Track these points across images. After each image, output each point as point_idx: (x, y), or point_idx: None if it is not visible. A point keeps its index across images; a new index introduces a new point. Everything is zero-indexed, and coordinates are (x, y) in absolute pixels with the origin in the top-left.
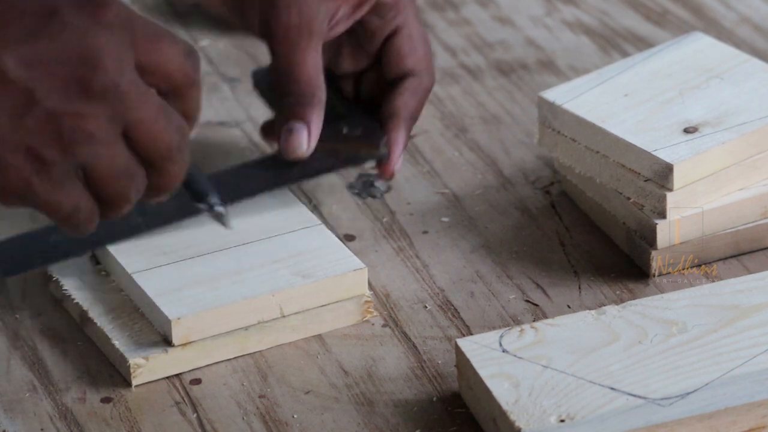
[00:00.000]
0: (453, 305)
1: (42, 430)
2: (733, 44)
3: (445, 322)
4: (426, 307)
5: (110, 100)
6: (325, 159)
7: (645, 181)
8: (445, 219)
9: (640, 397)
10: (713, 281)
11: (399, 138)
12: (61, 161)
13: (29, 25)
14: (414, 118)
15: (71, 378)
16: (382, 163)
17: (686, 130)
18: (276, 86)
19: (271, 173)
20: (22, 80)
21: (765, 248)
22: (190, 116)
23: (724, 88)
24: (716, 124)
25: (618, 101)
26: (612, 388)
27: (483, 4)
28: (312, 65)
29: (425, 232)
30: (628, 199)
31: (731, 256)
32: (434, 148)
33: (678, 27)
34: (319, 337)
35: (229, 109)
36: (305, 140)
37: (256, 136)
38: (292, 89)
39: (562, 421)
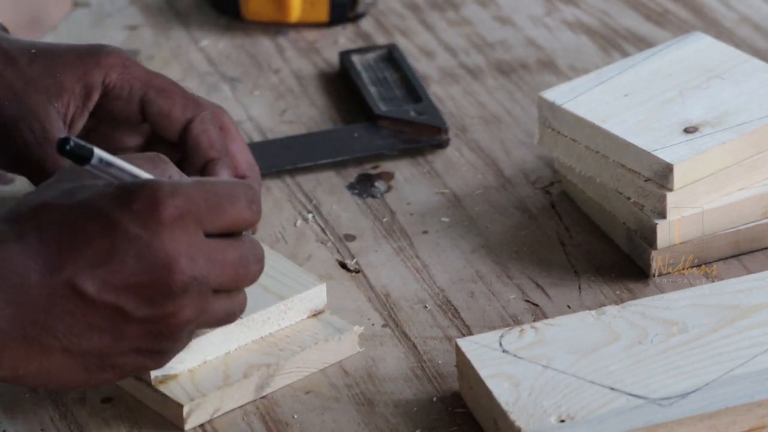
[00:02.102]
0: (453, 305)
1: (42, 430)
2: (733, 44)
3: (445, 322)
4: (426, 307)
5: (193, 289)
6: (390, 137)
7: (645, 181)
8: (445, 219)
9: (640, 397)
10: (713, 281)
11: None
12: (171, 345)
13: (98, 247)
14: (247, 160)
15: None
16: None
17: (686, 130)
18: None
19: (336, 144)
20: (108, 301)
21: (765, 248)
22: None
23: (724, 88)
24: (716, 124)
25: (618, 101)
26: (612, 388)
27: (483, 4)
28: (51, 162)
29: (425, 232)
30: (628, 199)
31: (731, 256)
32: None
33: (678, 27)
34: None
35: (229, 109)
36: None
37: (256, 136)
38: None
39: (562, 421)
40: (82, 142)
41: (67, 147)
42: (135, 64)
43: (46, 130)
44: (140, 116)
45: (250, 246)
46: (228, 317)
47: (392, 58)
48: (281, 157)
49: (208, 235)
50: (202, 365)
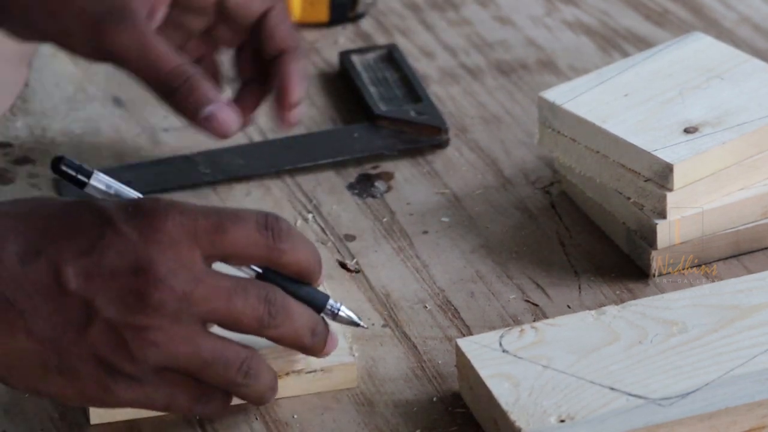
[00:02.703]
0: (453, 305)
1: (42, 430)
2: (733, 44)
3: (445, 322)
4: (426, 307)
5: (169, 307)
6: (390, 138)
7: (645, 181)
8: (445, 219)
9: (640, 397)
10: (713, 281)
11: (293, 68)
12: (133, 367)
13: (87, 238)
14: (297, 40)
15: None
16: (281, 96)
17: (686, 130)
18: (156, 92)
19: (336, 144)
20: (81, 291)
21: (765, 248)
22: (300, 272)
23: (724, 88)
24: (716, 124)
25: (618, 101)
26: (612, 388)
27: (483, 4)
28: (161, 50)
29: (425, 232)
30: (628, 199)
31: (731, 256)
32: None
33: (678, 27)
34: None
35: None
36: (228, 113)
37: (256, 136)
38: (181, 76)
39: (562, 421)
40: (79, 163)
41: (62, 167)
42: None
43: (140, 19)
44: (214, 1)
45: (254, 285)
46: (222, 366)
47: (392, 58)
48: (281, 158)
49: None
50: None
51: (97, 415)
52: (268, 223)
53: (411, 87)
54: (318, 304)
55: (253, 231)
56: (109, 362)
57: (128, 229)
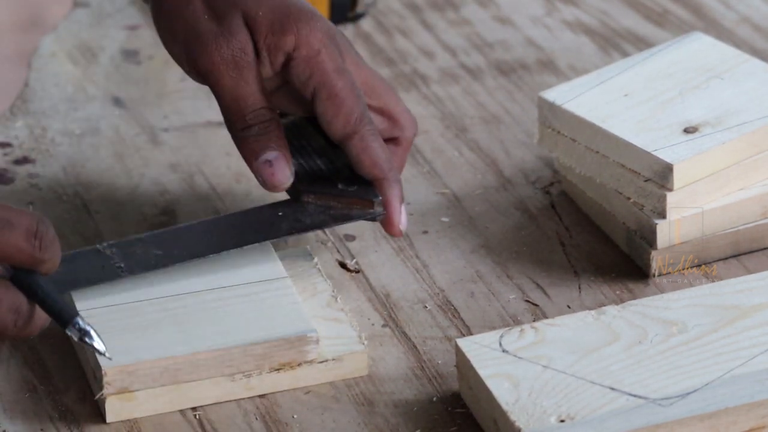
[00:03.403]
0: (453, 305)
1: (42, 430)
2: (733, 44)
3: (445, 322)
4: (426, 307)
5: None
6: (318, 214)
7: (645, 181)
8: (445, 219)
9: (640, 397)
10: (713, 281)
11: (392, 199)
12: None
13: None
14: (391, 166)
15: (71, 378)
16: (386, 222)
17: (686, 130)
18: (231, 118)
19: (260, 226)
20: None
21: (765, 248)
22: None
23: (724, 88)
24: (716, 124)
25: (618, 101)
26: (612, 388)
27: (483, 4)
28: (260, 92)
29: (425, 232)
30: (628, 199)
31: (731, 256)
32: (434, 148)
33: (678, 27)
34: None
35: None
36: (286, 167)
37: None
38: (251, 120)
39: (562, 421)
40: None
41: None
42: (328, 51)
43: (246, 52)
44: (311, 103)
45: (9, 295)
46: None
47: (302, 126)
48: (201, 244)
49: None
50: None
51: (114, 413)
52: (38, 232)
53: (333, 155)
54: (64, 318)
55: (22, 240)
56: None
57: None
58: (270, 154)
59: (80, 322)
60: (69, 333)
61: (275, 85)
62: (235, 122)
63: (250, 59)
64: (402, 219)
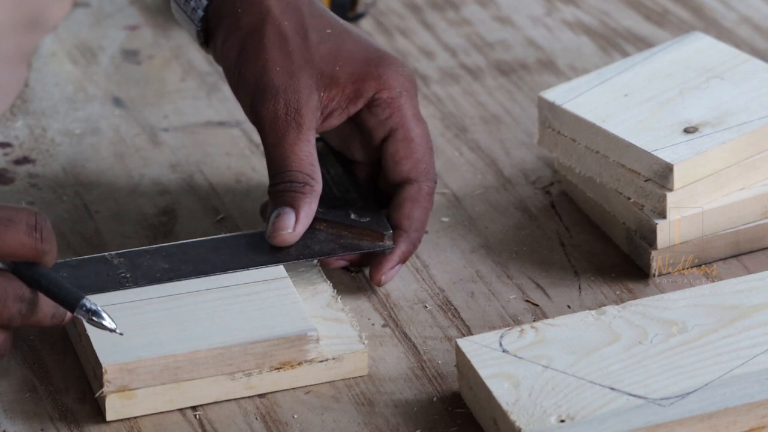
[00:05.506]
0: (453, 305)
1: (42, 430)
2: (733, 44)
3: (445, 322)
4: (426, 307)
5: None
6: (328, 242)
7: (645, 181)
8: (445, 219)
9: (640, 397)
10: (713, 281)
11: (396, 251)
12: None
13: None
14: (418, 228)
15: (71, 378)
16: (373, 266)
17: (686, 130)
18: (269, 174)
19: (270, 248)
20: None
21: (765, 248)
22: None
23: (724, 88)
24: (716, 124)
25: (618, 101)
26: (612, 388)
27: (483, 4)
28: (302, 156)
29: (425, 232)
30: (628, 199)
31: (731, 256)
32: (434, 148)
33: (678, 27)
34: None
35: (230, 109)
36: (291, 224)
37: (256, 137)
38: (282, 178)
39: (562, 421)
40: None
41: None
42: (409, 96)
43: (300, 114)
44: (380, 143)
45: (14, 285)
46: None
47: (323, 153)
48: (208, 261)
49: None
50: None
51: (114, 411)
52: (38, 224)
53: (350, 184)
54: (70, 302)
55: (24, 235)
56: None
57: None
58: (283, 209)
59: (87, 303)
60: (78, 316)
61: (340, 122)
62: (270, 176)
63: (304, 120)
64: (390, 274)
